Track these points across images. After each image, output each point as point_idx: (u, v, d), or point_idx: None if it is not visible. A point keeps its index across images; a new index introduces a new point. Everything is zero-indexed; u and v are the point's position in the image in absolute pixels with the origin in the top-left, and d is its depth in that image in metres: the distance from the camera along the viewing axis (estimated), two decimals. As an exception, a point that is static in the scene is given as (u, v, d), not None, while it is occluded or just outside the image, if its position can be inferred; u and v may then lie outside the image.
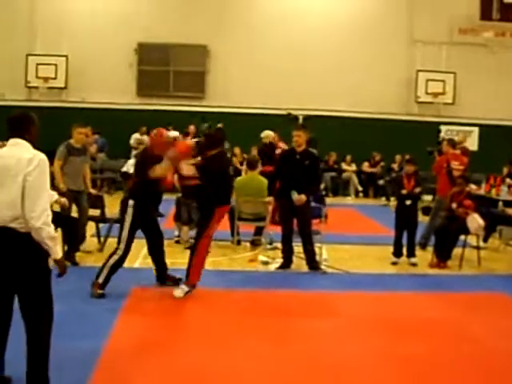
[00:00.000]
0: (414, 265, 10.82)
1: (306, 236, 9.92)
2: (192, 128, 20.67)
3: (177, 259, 10.35)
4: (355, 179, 22.15)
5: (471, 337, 7.02)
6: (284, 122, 19.68)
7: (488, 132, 23.20)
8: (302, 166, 9.88)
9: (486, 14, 23.79)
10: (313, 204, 10.51)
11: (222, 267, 10.15)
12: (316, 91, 22.46)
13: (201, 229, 8.34)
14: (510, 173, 15.56)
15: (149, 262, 9.30)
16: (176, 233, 11.88)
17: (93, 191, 11.24)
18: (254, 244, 11.83)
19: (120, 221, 8.30)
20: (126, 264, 8.32)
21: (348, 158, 22.47)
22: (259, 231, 11.85)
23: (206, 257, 8.49)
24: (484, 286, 9.66)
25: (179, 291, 8.07)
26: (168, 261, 9.80)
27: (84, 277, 8.18)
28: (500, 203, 13.97)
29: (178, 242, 11.72)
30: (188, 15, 22.27)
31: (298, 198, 9.68)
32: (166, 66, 22.53)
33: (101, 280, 7.91)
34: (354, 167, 22.34)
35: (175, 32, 22.01)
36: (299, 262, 10.30)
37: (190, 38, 22.19)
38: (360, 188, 22.25)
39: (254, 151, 18.81)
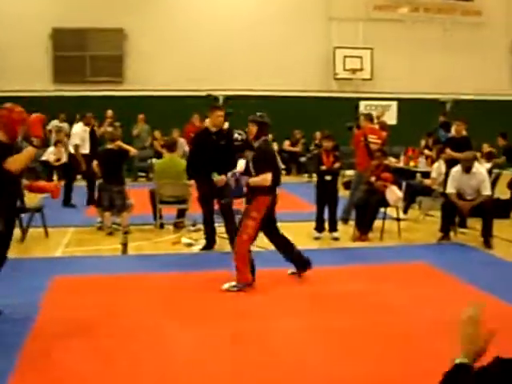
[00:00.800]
0: (336, 239, 10.97)
1: (227, 215, 9.91)
2: (110, 113, 20.43)
3: (100, 245, 10.29)
4: (277, 157, 22.13)
5: (393, 307, 7.17)
6: (205, 104, 19.63)
7: (406, 106, 23.62)
8: (218, 146, 9.78)
9: (400, -10, 24.16)
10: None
11: (146, 251, 10.10)
12: (235, 71, 22.42)
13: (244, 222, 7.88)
14: (427, 145, 15.88)
15: (70, 251, 9.21)
16: (98, 219, 11.74)
17: None
18: (177, 226, 11.80)
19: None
20: (47, 253, 8.19)
21: (270, 136, 22.40)
22: (182, 213, 11.81)
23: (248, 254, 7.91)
24: (405, 256, 9.88)
25: (227, 285, 7.78)
26: (92, 248, 9.74)
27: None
28: (418, 175, 14.25)
29: (100, 228, 11.60)
30: (103, -1, 21.86)
31: (220, 179, 9.61)
32: (82, 51, 22.05)
33: None
34: (275, 146, 22.36)
35: (91, 16, 21.50)
36: (222, 242, 10.31)
37: (106, 22, 21.74)
38: (282, 166, 22.29)
39: (176, 133, 18.75)
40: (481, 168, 11.16)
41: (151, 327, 6.37)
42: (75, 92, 21.58)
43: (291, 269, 8.47)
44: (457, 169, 10.93)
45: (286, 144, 22.55)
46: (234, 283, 7.71)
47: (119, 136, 12.36)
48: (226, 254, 9.54)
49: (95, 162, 11.94)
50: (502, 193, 14.15)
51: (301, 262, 8.44)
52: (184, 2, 22.50)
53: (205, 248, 10.11)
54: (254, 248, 9.63)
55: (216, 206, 10.05)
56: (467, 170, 10.69)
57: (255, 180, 7.76)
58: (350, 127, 14.28)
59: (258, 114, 8.06)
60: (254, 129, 7.90)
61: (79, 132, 14.58)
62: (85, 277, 8.34)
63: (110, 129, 16.71)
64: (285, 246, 8.43)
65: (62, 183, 14.37)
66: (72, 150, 14.60)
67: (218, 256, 9.77)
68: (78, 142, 14.38)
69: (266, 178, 7.74)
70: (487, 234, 10.54)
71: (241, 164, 7.93)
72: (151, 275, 8.54)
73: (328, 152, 11.09)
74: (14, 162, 6.32)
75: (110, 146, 11.83)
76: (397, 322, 6.64)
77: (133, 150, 12.20)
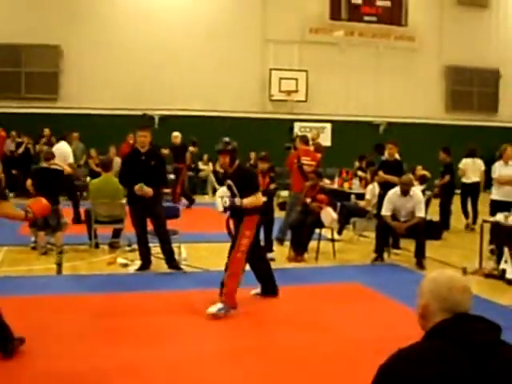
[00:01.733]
0: (272, 260, 10.97)
1: (162, 235, 9.91)
2: (47, 131, 20.23)
3: (33, 265, 10.14)
4: (212, 178, 22.15)
5: (328, 326, 7.25)
6: (140, 123, 19.56)
7: (340, 127, 23.95)
8: (149, 167, 9.79)
9: (335, 14, 24.55)
10: (169, 204, 10.52)
11: (81, 271, 9.99)
12: (172, 91, 22.45)
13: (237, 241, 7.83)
14: (360, 166, 16.13)
15: (3, 271, 9.04)
16: (32, 239, 11.57)
17: None
18: (113, 247, 11.70)
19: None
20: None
21: (205, 157, 22.43)
22: (117, 233, 11.72)
23: (241, 275, 7.86)
24: (340, 276, 10.00)
25: (214, 308, 7.54)
26: (24, 267, 9.60)
27: None
28: (352, 196, 14.45)
29: (34, 248, 11.42)
30: (39, 14, 21.41)
31: (147, 189, 9.57)
32: (16, 67, 21.74)
33: None
34: (210, 166, 22.40)
35: (26, 32, 21.17)
36: (158, 263, 10.28)
37: (42, 38, 21.45)
38: (217, 186, 22.30)
39: (112, 152, 18.65)
40: (417, 191, 11.41)
41: (85, 350, 6.30)
42: (9, 108, 21.22)
43: (256, 290, 8.54)
44: (394, 191, 11.16)
45: (218, 165, 22.53)
46: (220, 305, 7.57)
47: (53, 155, 12.20)
48: (162, 275, 9.54)
49: (29, 181, 11.78)
50: (433, 214, 14.48)
51: (271, 286, 8.55)
52: (121, 20, 22.32)
53: (140, 268, 10.05)
54: (192, 269, 9.68)
55: (150, 227, 10.04)
56: (405, 192, 10.93)
57: (251, 201, 7.70)
58: (287, 147, 14.43)
59: (224, 140, 7.78)
60: (227, 159, 7.77)
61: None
62: (18, 297, 8.18)
63: (45, 147, 16.51)
64: (261, 267, 8.51)
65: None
66: None
67: (154, 276, 9.72)
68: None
69: (259, 197, 7.87)
70: (420, 255, 10.77)
71: (222, 191, 7.79)
72: (86, 296, 8.43)
73: (264, 173, 11.17)
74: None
75: (44, 164, 11.70)
76: (331, 340, 6.73)
77: (67, 169, 12.09)
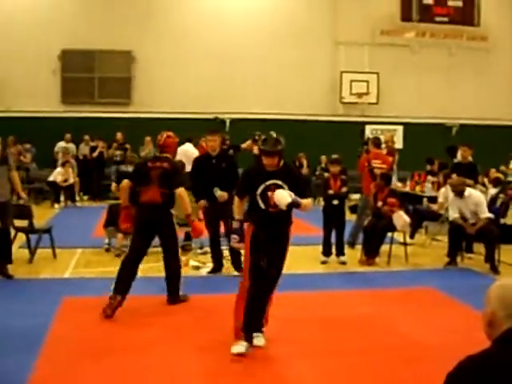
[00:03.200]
0: (343, 263, 11.00)
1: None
2: (119, 135, 20.63)
3: (107, 267, 10.29)
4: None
5: (400, 331, 7.19)
6: (211, 126, 19.70)
7: (412, 130, 23.68)
8: (219, 170, 9.89)
9: (406, 15, 24.33)
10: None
11: (154, 274, 10.11)
12: (242, 95, 22.60)
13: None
14: (431, 170, 15.90)
15: (79, 272, 9.21)
16: (106, 240, 11.77)
17: (23, 195, 11.05)
18: (185, 249, 11.79)
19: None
20: (56, 274, 8.18)
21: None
22: (189, 236, 11.82)
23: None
24: (412, 280, 9.91)
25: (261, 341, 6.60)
26: (98, 269, 9.76)
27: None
28: (425, 199, 14.29)
29: (108, 250, 11.62)
30: (113, 21, 21.98)
31: (221, 193, 9.78)
32: (90, 73, 22.23)
33: None
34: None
35: (99, 38, 21.73)
36: (230, 265, 10.33)
37: (115, 44, 21.96)
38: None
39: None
40: (474, 192, 11.17)
41: (160, 347, 6.39)
42: (83, 113, 21.71)
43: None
44: (452, 194, 11.07)
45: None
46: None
47: (136, 159, 12.48)
48: (234, 278, 9.59)
49: (114, 185, 12.02)
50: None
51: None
52: (193, 26, 22.59)
53: (212, 271, 10.15)
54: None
55: (222, 228, 10.11)
56: (459, 194, 10.80)
57: (306, 204, 6.41)
58: (358, 155, 14.29)
59: (273, 137, 6.52)
60: (276, 160, 6.46)
61: None
62: (93, 298, 8.35)
63: (118, 152, 16.84)
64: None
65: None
66: None
67: (226, 279, 9.78)
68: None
69: (310, 202, 6.66)
70: (492, 259, 10.57)
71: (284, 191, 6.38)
72: (160, 297, 8.54)
73: (335, 176, 11.14)
74: None
75: (129, 168, 11.97)
76: (402, 345, 6.67)
77: None
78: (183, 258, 10.98)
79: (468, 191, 10.91)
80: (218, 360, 6.12)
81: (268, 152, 6.42)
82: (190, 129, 19.79)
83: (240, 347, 6.22)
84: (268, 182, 6.42)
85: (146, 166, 8.22)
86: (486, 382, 2.37)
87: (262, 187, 6.41)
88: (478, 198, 11.00)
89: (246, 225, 6.63)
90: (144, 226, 8.09)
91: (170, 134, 8.44)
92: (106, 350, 6.37)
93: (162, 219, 8.10)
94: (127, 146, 20.29)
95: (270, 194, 6.33)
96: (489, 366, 2.42)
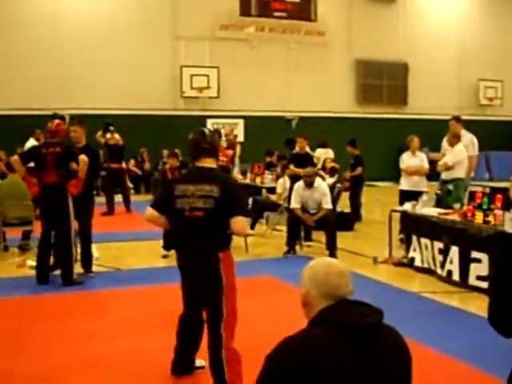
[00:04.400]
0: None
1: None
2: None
3: None
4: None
5: (242, 320, 7.25)
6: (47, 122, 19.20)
7: (253, 123, 24.05)
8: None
9: (245, 11, 24.68)
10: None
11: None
12: (83, 90, 22.18)
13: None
14: (270, 162, 16.22)
15: None
16: None
17: None
18: (22, 249, 11.45)
19: None
20: None
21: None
22: (27, 235, 11.48)
23: None
24: (252, 270, 10.01)
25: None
26: None
27: None
28: (264, 190, 14.52)
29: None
30: None
31: None
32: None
33: None
34: (123, 165, 22.06)
35: None
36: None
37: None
38: (131, 185, 22.06)
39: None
40: (321, 183, 11.58)
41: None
42: None
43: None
44: (299, 184, 11.32)
45: (131, 164, 22.26)
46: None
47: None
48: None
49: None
50: (344, 207, 14.72)
51: None
52: (31, 21, 21.89)
53: (51, 269, 9.86)
54: (104, 269, 9.55)
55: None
56: (309, 185, 11.07)
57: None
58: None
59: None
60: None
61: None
62: None
63: None
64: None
65: None
66: None
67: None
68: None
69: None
70: (331, 247, 10.91)
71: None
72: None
73: (173, 170, 11.13)
74: None
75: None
76: (247, 335, 6.73)
77: None
78: (21, 258, 10.72)
79: (317, 182, 11.24)
80: (61, 354, 5.97)
81: None
82: (27, 124, 19.30)
83: None
84: None
85: (41, 152, 8.93)
86: (294, 362, 2.44)
87: None
88: (324, 188, 11.37)
89: None
90: (46, 206, 8.95)
91: (60, 121, 9.29)
92: None
93: (60, 198, 8.85)
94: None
95: None
96: (298, 347, 2.49)
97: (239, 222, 4.99)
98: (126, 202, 17.09)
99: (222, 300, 5.18)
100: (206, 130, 5.39)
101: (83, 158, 8.89)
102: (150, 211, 5.23)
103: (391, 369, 2.54)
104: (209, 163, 5.17)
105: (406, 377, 2.63)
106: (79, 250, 9.70)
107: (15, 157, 9.18)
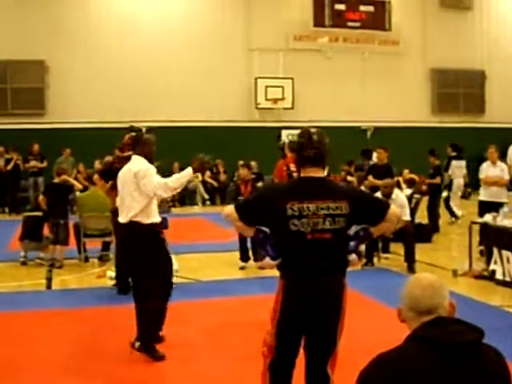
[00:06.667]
0: (261, 268, 10.97)
1: None
2: (36, 147, 20.26)
3: (22, 281, 10.08)
4: (201, 188, 22.10)
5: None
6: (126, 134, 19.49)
7: (327, 133, 23.81)
8: None
9: (319, 21, 24.61)
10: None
11: (71, 285, 9.97)
12: (158, 103, 22.37)
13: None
14: (348, 171, 16.15)
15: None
16: (22, 253, 11.55)
17: None
18: (102, 260, 11.68)
19: None
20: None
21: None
22: (106, 246, 11.70)
23: None
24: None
25: None
26: (14, 283, 9.55)
27: None
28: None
29: (24, 263, 11.41)
30: (23, 30, 21.41)
31: None
32: (2, 84, 21.71)
33: None
34: (199, 176, 22.30)
35: (11, 48, 21.19)
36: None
37: (27, 54, 21.38)
38: (206, 196, 22.27)
39: (98, 165, 18.58)
40: (400, 194, 11.48)
41: (74, 364, 6.28)
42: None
43: None
44: (377, 195, 11.22)
45: (207, 175, 22.46)
46: None
47: (65, 171, 12.45)
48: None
49: (41, 196, 11.92)
50: (423, 218, 14.53)
51: None
52: (107, 34, 22.33)
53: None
54: (184, 280, 9.63)
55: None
56: (387, 196, 10.96)
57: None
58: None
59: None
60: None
61: None
62: (7, 313, 8.17)
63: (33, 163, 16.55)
64: None
65: None
66: None
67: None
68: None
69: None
70: (410, 259, 10.78)
71: None
72: (76, 310, 8.41)
73: (245, 181, 11.14)
74: None
75: (56, 180, 11.83)
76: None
77: (78, 185, 12.30)
78: (101, 269, 10.93)
79: (395, 193, 11.18)
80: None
81: None
82: (104, 138, 19.66)
83: None
84: None
85: (117, 168, 7.90)
86: (390, 377, 2.43)
87: None
88: (402, 200, 11.31)
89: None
90: None
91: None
92: (21, 365, 6.23)
93: None
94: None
95: None
96: (399, 363, 2.46)
97: (393, 211, 4.39)
98: None
99: (337, 332, 4.38)
100: (313, 131, 4.64)
101: None
102: (235, 217, 4.37)
103: None
104: (316, 172, 4.44)
105: None
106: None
107: (96, 176, 9.53)
